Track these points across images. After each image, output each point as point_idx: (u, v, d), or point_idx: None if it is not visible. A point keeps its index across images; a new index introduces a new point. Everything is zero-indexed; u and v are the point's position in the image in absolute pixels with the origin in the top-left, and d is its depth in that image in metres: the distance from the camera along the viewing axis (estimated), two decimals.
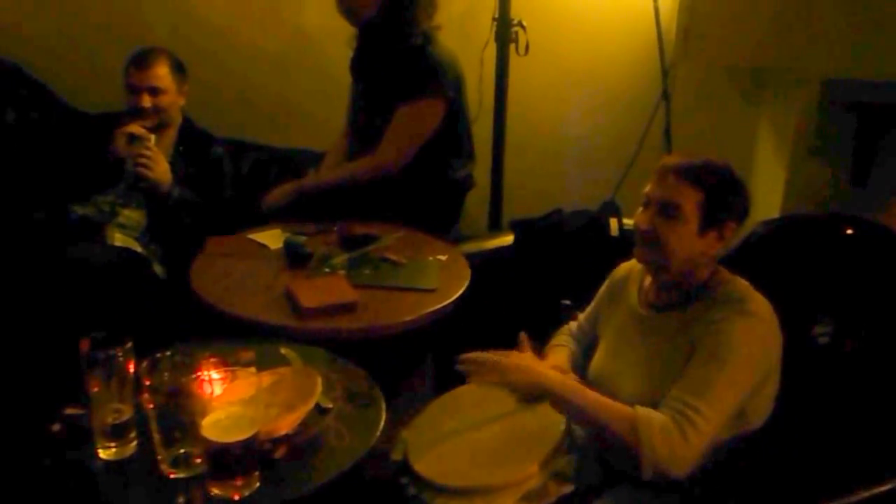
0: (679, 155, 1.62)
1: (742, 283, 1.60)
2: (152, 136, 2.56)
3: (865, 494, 1.51)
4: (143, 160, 2.52)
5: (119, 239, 2.60)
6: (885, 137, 2.68)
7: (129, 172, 2.53)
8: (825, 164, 2.83)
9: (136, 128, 2.55)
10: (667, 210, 1.56)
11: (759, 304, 1.55)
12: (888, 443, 1.68)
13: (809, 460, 1.66)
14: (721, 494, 1.56)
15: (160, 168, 2.55)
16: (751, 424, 1.56)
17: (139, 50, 2.66)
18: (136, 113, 2.61)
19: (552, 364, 1.78)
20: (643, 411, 1.47)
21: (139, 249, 2.59)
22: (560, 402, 1.55)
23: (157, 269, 2.57)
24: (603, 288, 1.88)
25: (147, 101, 2.60)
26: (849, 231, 2.08)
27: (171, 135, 2.73)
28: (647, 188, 1.60)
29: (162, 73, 2.63)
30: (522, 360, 1.67)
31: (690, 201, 1.54)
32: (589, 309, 1.91)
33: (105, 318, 1.78)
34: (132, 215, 2.66)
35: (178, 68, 2.69)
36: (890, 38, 2.68)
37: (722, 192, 1.56)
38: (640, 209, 1.62)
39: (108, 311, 2.18)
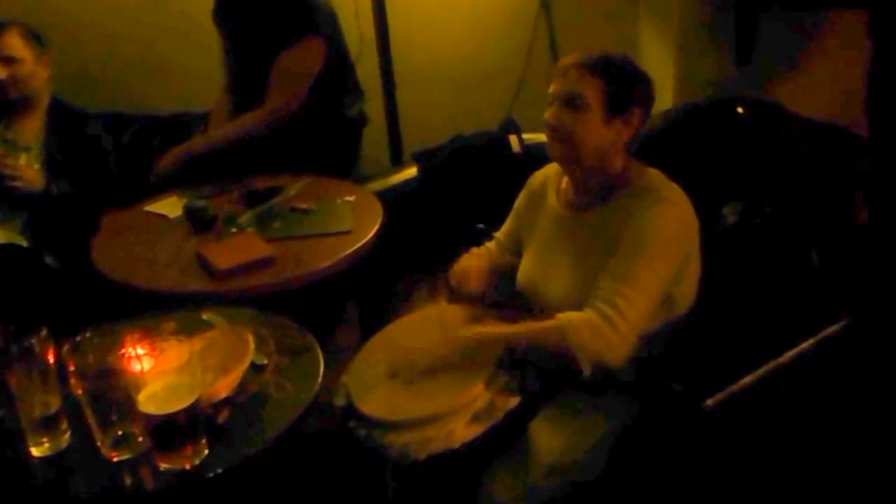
0: (577, 52, 1.64)
1: (655, 173, 1.65)
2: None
3: (783, 360, 1.59)
4: (7, 181, 2.44)
5: (1, 235, 2.47)
6: (764, 13, 2.74)
7: None
8: (710, 49, 2.89)
9: None
10: (571, 102, 1.58)
11: (674, 191, 1.60)
12: (799, 308, 1.77)
13: (734, 334, 1.73)
14: (660, 381, 1.61)
15: (27, 177, 2.48)
16: (679, 310, 1.61)
17: None
18: None
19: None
20: (563, 316, 1.52)
21: (24, 243, 2.47)
22: (489, 347, 1.59)
23: (48, 259, 2.44)
24: (520, 199, 1.88)
25: (1, 72, 2.50)
26: (741, 111, 2.14)
27: (39, 117, 2.60)
28: (551, 88, 1.62)
29: (13, 42, 2.52)
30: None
31: (592, 90, 1.57)
32: (507, 225, 1.92)
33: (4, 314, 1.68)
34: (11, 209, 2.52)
35: (34, 37, 2.57)
36: None
37: (622, 79, 1.59)
38: (547, 109, 1.63)
39: (4, 308, 2.06)
